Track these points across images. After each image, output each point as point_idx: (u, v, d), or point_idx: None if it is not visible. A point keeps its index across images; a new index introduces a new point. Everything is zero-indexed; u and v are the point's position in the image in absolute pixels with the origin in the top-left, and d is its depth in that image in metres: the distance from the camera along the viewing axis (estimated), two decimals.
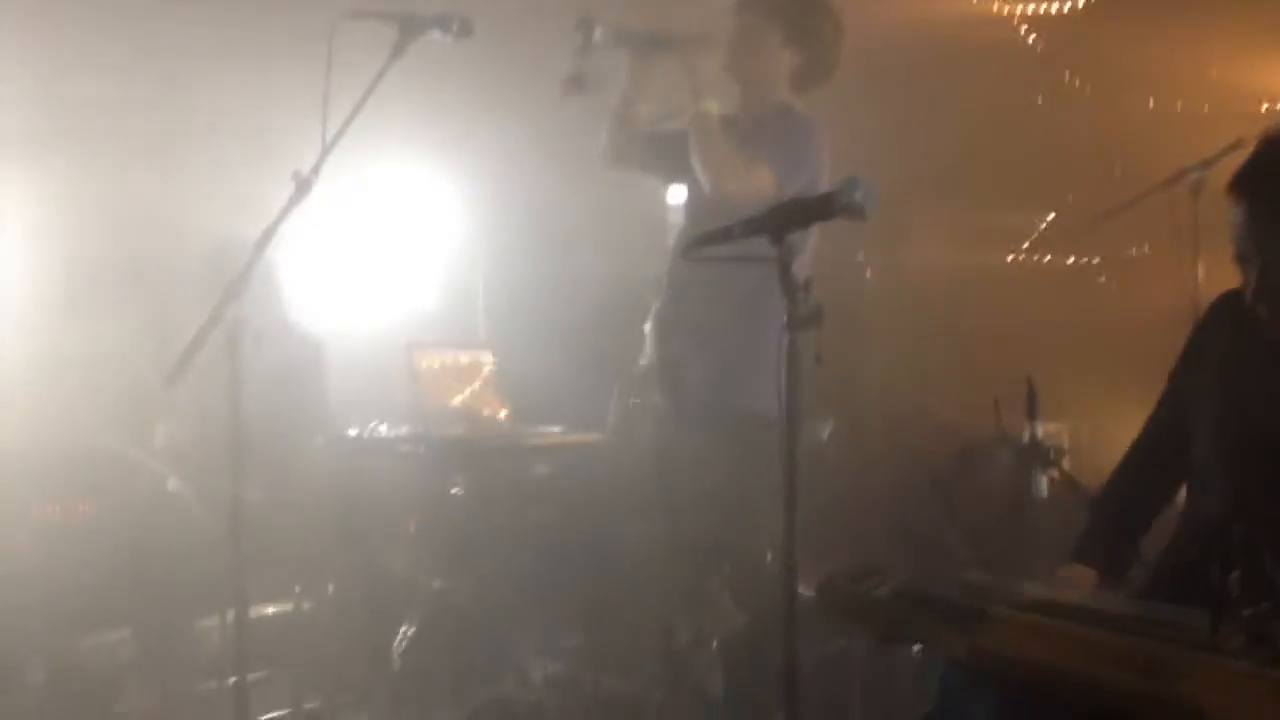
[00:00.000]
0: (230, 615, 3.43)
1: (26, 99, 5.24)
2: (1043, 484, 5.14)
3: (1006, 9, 6.26)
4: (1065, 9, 6.18)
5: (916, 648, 3.55)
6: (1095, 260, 6.20)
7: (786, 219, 2.74)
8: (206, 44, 5.54)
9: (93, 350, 4.98)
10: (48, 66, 5.25)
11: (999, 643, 2.37)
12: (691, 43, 3.72)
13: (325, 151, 3.24)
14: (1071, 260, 6.24)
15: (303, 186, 3.24)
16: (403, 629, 4.65)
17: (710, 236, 2.91)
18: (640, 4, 3.90)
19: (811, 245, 3.69)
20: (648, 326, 4.04)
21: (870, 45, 4.10)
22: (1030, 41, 6.21)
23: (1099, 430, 5.30)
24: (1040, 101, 6.14)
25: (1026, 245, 6.36)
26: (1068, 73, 6.13)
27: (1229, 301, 2.84)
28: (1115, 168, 5.91)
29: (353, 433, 4.81)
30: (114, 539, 4.48)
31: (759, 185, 3.58)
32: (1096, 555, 2.97)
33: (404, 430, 4.76)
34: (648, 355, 4.03)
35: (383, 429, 4.80)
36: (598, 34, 3.65)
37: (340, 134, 3.24)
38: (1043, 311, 5.82)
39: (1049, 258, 6.31)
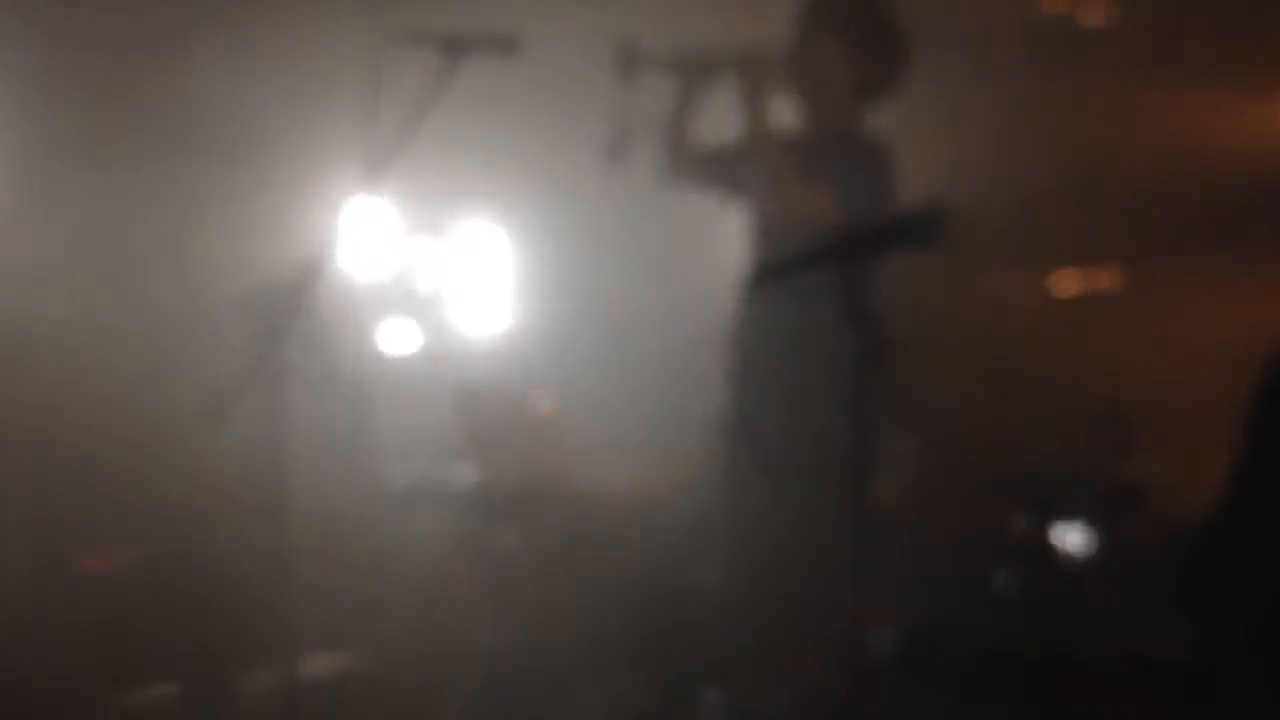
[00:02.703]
0: (280, 669, 3.39)
1: (67, 130, 5.23)
2: (1135, 524, 5.04)
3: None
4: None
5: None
6: (1175, 293, 6.04)
7: (855, 248, 2.60)
8: (249, 73, 5.52)
9: (138, 395, 4.95)
10: (87, 95, 5.24)
11: (1085, 701, 2.24)
12: (744, 61, 3.58)
13: (374, 182, 3.13)
14: (1149, 293, 6.05)
15: (345, 225, 3.16)
16: (456, 684, 4.56)
17: (777, 269, 2.79)
18: (692, 19, 3.76)
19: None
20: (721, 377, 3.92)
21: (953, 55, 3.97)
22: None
23: (1198, 466, 5.11)
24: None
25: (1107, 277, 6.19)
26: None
27: None
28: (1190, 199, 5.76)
29: (404, 480, 4.76)
30: (160, 591, 4.49)
31: (822, 210, 3.44)
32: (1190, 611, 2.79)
33: (457, 478, 4.67)
34: (720, 408, 3.89)
35: (434, 478, 4.70)
36: (637, 63, 3.53)
37: (389, 163, 3.12)
38: (1126, 346, 5.69)
39: (1126, 290, 6.16)
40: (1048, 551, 5.02)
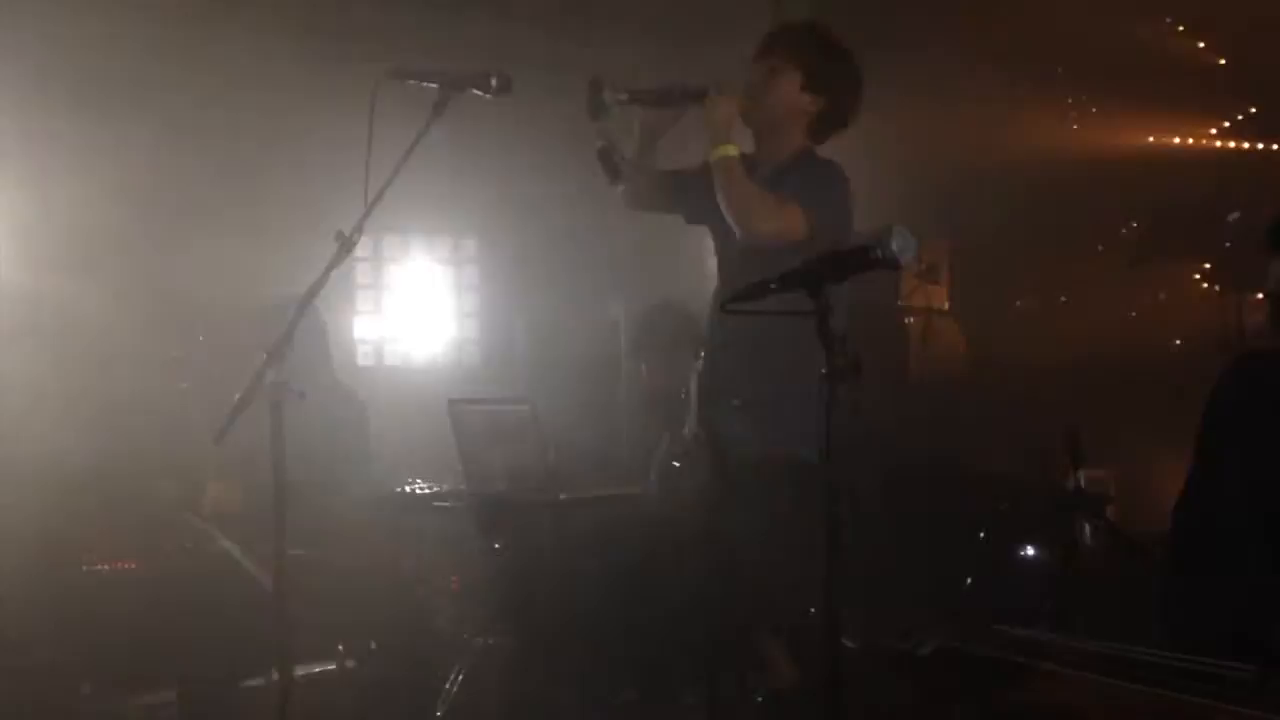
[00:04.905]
0: (275, 675, 3.42)
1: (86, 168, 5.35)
2: (1088, 533, 5.13)
3: None
4: None
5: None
6: (1132, 302, 6.21)
7: (823, 271, 2.73)
8: (253, 105, 5.64)
9: (143, 409, 5.03)
10: (106, 132, 5.35)
11: (1043, 699, 2.34)
12: (706, 94, 3.70)
13: (367, 210, 3.26)
14: (1109, 302, 6.24)
15: (345, 245, 3.27)
16: (447, 686, 4.63)
17: (747, 292, 2.90)
18: (660, 54, 3.90)
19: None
20: (690, 387, 4.03)
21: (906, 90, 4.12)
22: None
23: (1146, 473, 5.26)
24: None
25: (1066, 288, 6.38)
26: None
27: (1247, 363, 2.82)
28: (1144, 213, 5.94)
29: (396, 490, 4.82)
30: (161, 599, 4.49)
31: (790, 222, 3.58)
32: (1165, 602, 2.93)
33: (446, 486, 4.76)
34: (689, 422, 4.01)
35: (425, 486, 4.80)
36: (607, 95, 3.66)
37: (382, 193, 3.26)
38: (1082, 355, 5.82)
39: (1084, 302, 6.32)
40: (1010, 558, 5.13)
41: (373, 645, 4.74)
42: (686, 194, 3.90)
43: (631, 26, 5.82)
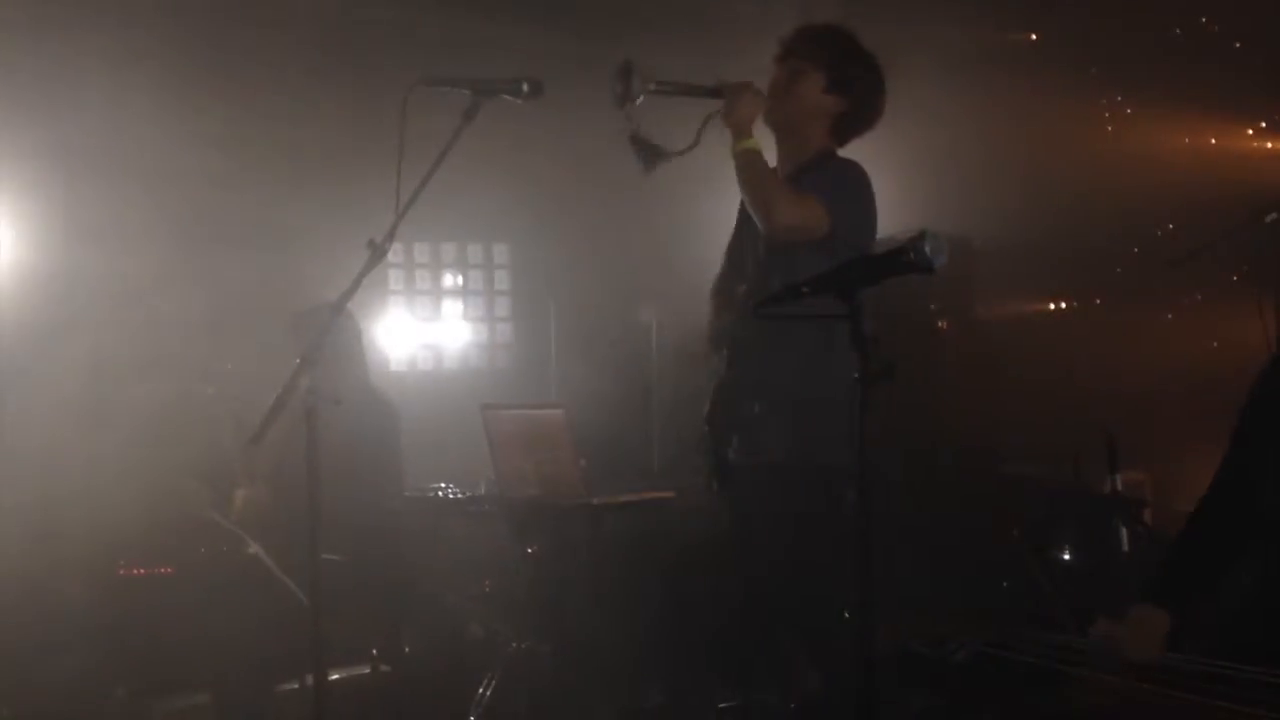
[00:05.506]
0: (309, 679, 3.43)
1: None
2: (1124, 537, 5.10)
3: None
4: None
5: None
6: (1169, 303, 6.17)
7: (855, 275, 2.72)
8: (287, 114, 5.67)
9: (175, 415, 5.05)
10: (145, 141, 5.41)
11: (1080, 705, 2.33)
12: (731, 91, 3.70)
13: (399, 217, 3.27)
14: (1143, 306, 6.20)
15: (378, 252, 3.27)
16: (480, 689, 4.65)
17: (778, 296, 2.88)
18: (685, 56, 3.87)
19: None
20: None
21: (935, 92, 4.10)
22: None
23: (1182, 476, 5.21)
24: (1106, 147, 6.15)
25: (1102, 290, 6.34)
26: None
27: None
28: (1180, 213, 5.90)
29: (429, 494, 4.83)
30: (195, 603, 4.49)
31: (810, 216, 3.56)
32: (1169, 598, 2.90)
33: (479, 491, 4.77)
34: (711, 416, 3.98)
35: (458, 491, 4.82)
36: (636, 83, 3.65)
37: (414, 199, 3.27)
38: (1118, 357, 5.78)
39: (1120, 304, 6.28)
40: (1046, 562, 5.09)
41: (406, 649, 4.75)
42: None
43: (662, 29, 5.82)
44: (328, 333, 3.31)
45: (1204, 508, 3.02)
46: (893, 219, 3.75)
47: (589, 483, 4.80)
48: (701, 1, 6.31)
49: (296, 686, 4.36)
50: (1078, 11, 6.12)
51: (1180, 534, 3.10)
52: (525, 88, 3.38)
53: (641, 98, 3.66)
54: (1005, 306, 6.20)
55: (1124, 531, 5.06)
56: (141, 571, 4.65)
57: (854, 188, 3.69)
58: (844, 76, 3.78)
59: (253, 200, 5.63)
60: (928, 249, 2.62)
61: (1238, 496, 2.89)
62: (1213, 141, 6.09)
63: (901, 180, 3.91)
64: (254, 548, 4.61)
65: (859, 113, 3.82)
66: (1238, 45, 5.93)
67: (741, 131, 3.66)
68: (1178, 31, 6.05)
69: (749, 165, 3.64)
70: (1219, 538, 2.97)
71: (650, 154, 3.77)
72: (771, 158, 3.74)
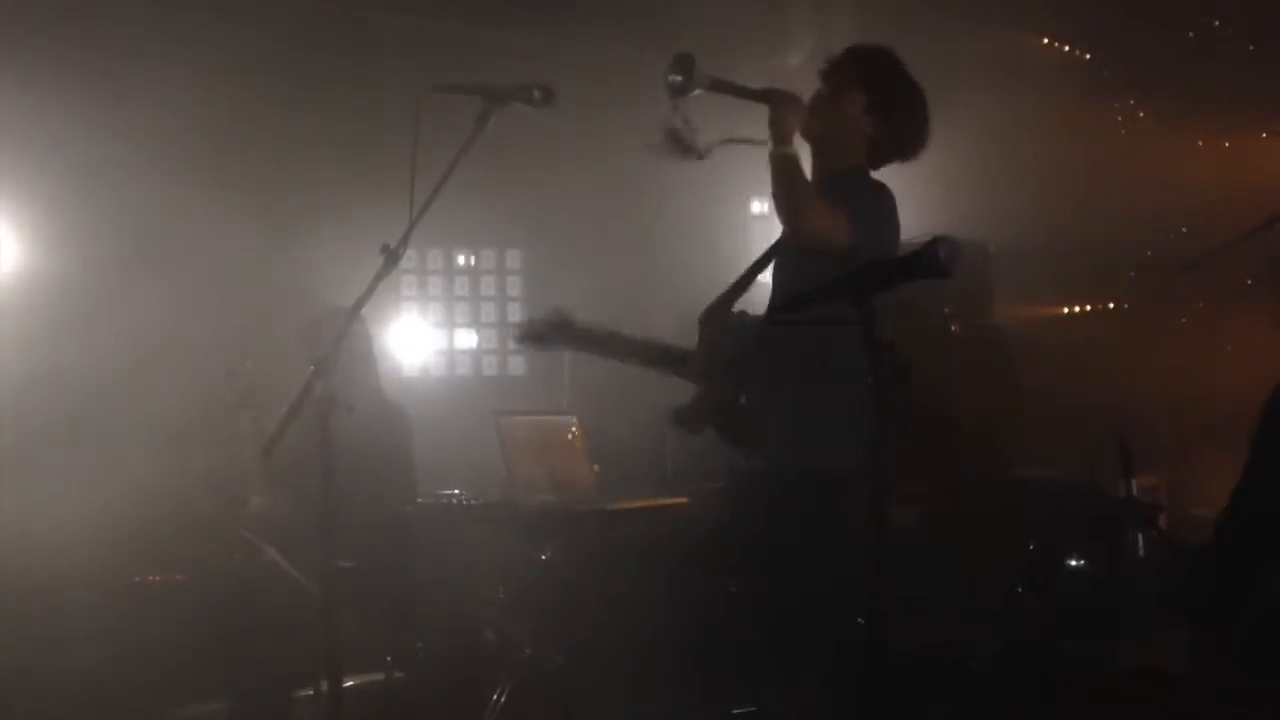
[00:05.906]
0: (324, 686, 3.43)
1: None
2: (1140, 542, 5.08)
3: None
4: None
5: None
6: (1183, 308, 6.15)
7: (869, 281, 2.70)
8: (299, 118, 5.69)
9: (189, 422, 5.07)
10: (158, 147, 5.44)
11: (1093, 713, 2.31)
12: (778, 97, 3.71)
13: (413, 223, 3.28)
14: (1158, 310, 6.18)
15: (391, 259, 3.28)
16: (494, 697, 4.65)
17: (792, 302, 2.88)
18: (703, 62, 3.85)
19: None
20: None
21: (950, 99, 4.09)
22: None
23: (1198, 481, 5.20)
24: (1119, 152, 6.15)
25: (1113, 297, 6.33)
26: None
27: None
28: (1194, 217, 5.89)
29: (442, 501, 4.83)
30: (210, 610, 4.52)
31: (835, 226, 3.56)
32: (1198, 605, 2.89)
33: (492, 498, 4.77)
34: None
35: (471, 497, 4.82)
36: (696, 76, 3.64)
37: (428, 205, 3.27)
38: (1132, 362, 5.77)
39: (1135, 308, 6.26)
40: (1060, 567, 5.08)
41: (420, 656, 4.74)
42: None
43: (676, 35, 5.82)
44: (342, 339, 3.32)
45: (1230, 514, 3.00)
46: (909, 224, 3.75)
47: (603, 488, 4.81)
48: (712, 9, 6.31)
49: (311, 693, 4.39)
50: (1092, 17, 6.10)
51: (1210, 543, 3.09)
52: (537, 94, 3.40)
53: (697, 91, 3.67)
54: (1020, 310, 6.18)
55: (1139, 536, 5.04)
56: (156, 578, 4.66)
57: (881, 209, 3.71)
58: (884, 99, 3.80)
59: (264, 205, 5.65)
60: (942, 254, 2.61)
61: (1262, 502, 2.88)
62: (1227, 145, 6.07)
63: (918, 186, 3.90)
64: (269, 554, 4.64)
65: (896, 138, 3.84)
66: (1251, 48, 5.92)
67: (784, 138, 3.68)
68: (1190, 35, 6.04)
69: (786, 168, 3.65)
70: (1246, 543, 2.95)
71: (681, 151, 3.76)
72: (806, 170, 3.74)
